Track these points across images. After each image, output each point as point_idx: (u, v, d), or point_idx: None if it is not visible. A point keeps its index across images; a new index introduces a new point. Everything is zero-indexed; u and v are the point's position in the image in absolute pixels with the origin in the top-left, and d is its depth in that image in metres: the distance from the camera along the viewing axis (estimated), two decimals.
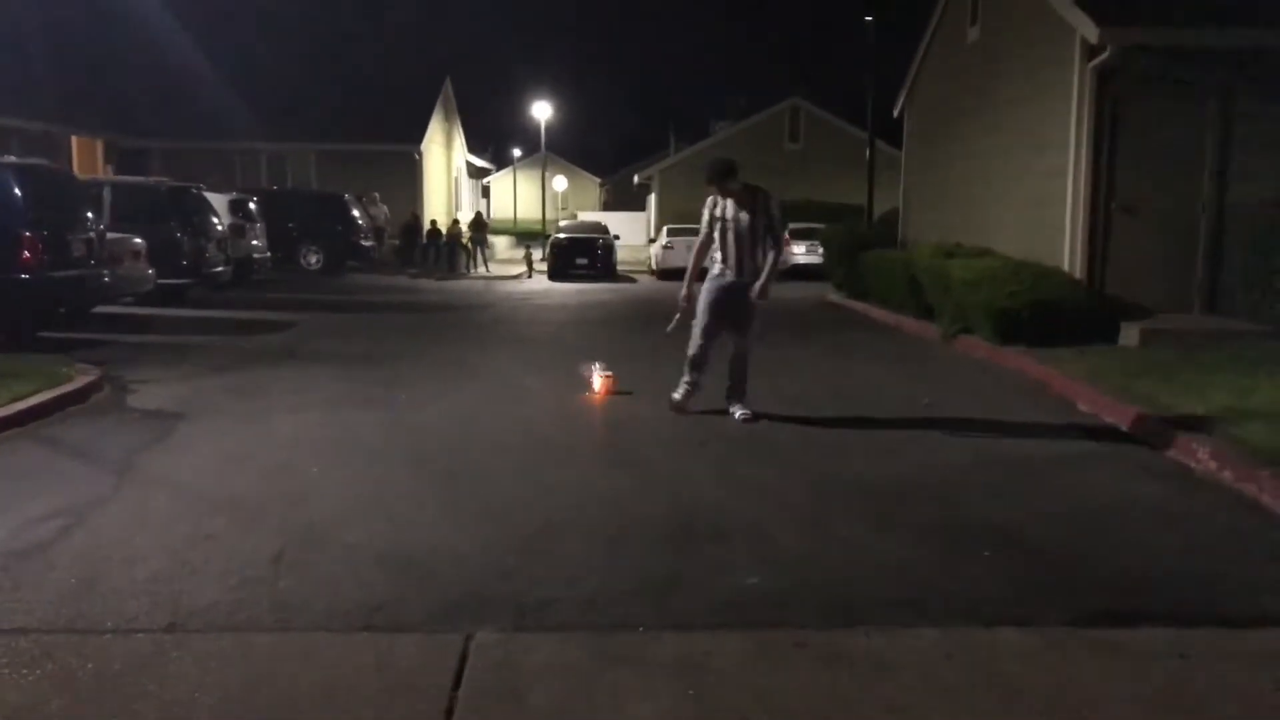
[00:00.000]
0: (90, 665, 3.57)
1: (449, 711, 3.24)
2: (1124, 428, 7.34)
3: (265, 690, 3.40)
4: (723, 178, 7.52)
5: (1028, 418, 7.85)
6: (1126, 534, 5.10)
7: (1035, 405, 8.37)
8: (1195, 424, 6.77)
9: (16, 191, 10.28)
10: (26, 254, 10.12)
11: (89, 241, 11.23)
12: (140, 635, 3.83)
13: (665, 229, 29.88)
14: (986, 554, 4.74)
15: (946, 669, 3.55)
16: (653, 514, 5.35)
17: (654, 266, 29.05)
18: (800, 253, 25.62)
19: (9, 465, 6.29)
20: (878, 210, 21.31)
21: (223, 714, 3.24)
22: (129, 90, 29.00)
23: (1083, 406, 8.16)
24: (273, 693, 3.38)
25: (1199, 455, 6.28)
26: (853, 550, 4.83)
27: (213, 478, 6.07)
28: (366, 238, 26.19)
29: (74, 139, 25.04)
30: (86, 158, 25.17)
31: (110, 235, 12.36)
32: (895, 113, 20.54)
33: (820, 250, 22.96)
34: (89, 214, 11.62)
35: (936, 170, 17.87)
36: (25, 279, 10.18)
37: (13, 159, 11.03)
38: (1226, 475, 5.93)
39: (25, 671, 3.52)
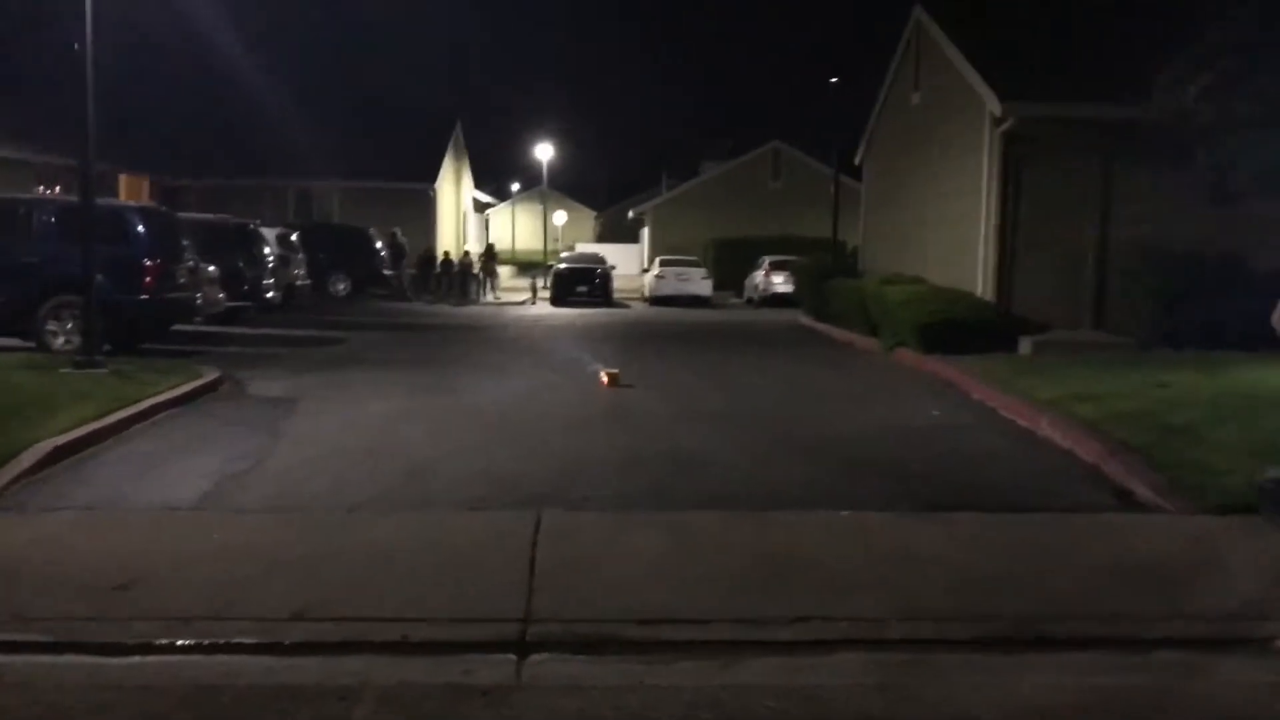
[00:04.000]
0: (311, 525, 6.01)
1: (534, 543, 5.72)
2: (999, 409, 9.95)
3: (422, 535, 5.84)
4: None
5: (931, 403, 10.47)
6: (975, 468, 7.65)
7: (940, 396, 10.99)
8: (1045, 405, 9.35)
9: (140, 228, 12.82)
10: (148, 279, 12.62)
11: (189, 270, 13.76)
12: (335, 512, 6.33)
13: (658, 260, 32.55)
14: (875, 479, 7.29)
15: (832, 527, 6.05)
16: (652, 454, 7.90)
17: (646, 294, 31.63)
18: (779, 282, 28.37)
19: (192, 428, 8.77)
20: (852, 244, 24.04)
21: (401, 544, 5.66)
22: (169, 132, 31.56)
23: (975, 396, 10.77)
24: (427, 536, 5.82)
25: (1041, 424, 8.86)
26: (788, 474, 7.40)
27: (340, 436, 8.60)
28: (387, 268, 28.83)
29: (122, 177, 27.58)
30: (133, 194, 27.64)
31: None
32: (856, 160, 23.38)
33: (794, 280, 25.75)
34: (186, 247, 14.15)
35: (888, 210, 20.73)
36: (145, 299, 12.67)
37: (133, 202, 13.58)
38: (1058, 437, 8.49)
39: (275, 523, 6.00)
